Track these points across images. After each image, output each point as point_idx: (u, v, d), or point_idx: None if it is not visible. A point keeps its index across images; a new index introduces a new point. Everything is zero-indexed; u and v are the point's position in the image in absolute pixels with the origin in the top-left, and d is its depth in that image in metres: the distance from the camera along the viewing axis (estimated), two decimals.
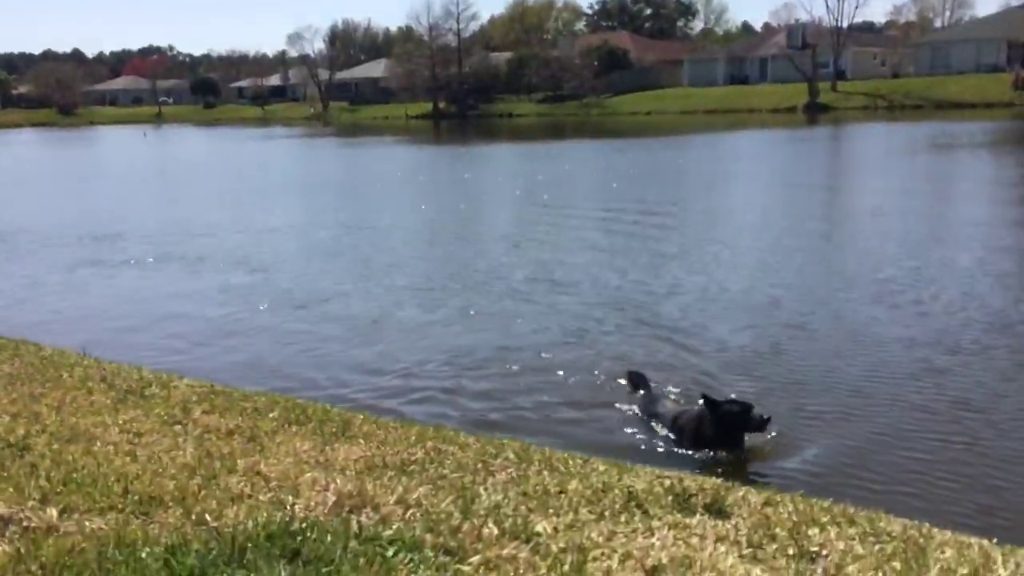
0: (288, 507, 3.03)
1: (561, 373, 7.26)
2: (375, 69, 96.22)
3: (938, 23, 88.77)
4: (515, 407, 6.57)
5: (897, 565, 2.81)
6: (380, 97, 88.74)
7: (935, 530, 3.38)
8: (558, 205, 19.22)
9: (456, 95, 79.43)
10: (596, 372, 7.30)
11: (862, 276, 10.67)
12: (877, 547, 3.01)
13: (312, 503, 3.10)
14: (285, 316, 9.63)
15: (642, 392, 6.66)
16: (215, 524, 2.78)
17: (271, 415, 4.74)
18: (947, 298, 9.37)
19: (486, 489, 3.44)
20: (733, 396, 5.90)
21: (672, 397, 6.56)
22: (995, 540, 3.30)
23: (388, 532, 2.78)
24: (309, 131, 65.21)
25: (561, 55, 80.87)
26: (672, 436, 5.91)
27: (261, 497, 3.14)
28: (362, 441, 4.28)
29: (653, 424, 6.16)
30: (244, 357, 8.10)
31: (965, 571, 2.79)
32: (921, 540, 3.17)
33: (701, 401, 5.78)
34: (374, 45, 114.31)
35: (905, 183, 20.76)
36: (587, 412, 6.47)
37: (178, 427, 4.27)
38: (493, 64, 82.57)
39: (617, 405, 6.55)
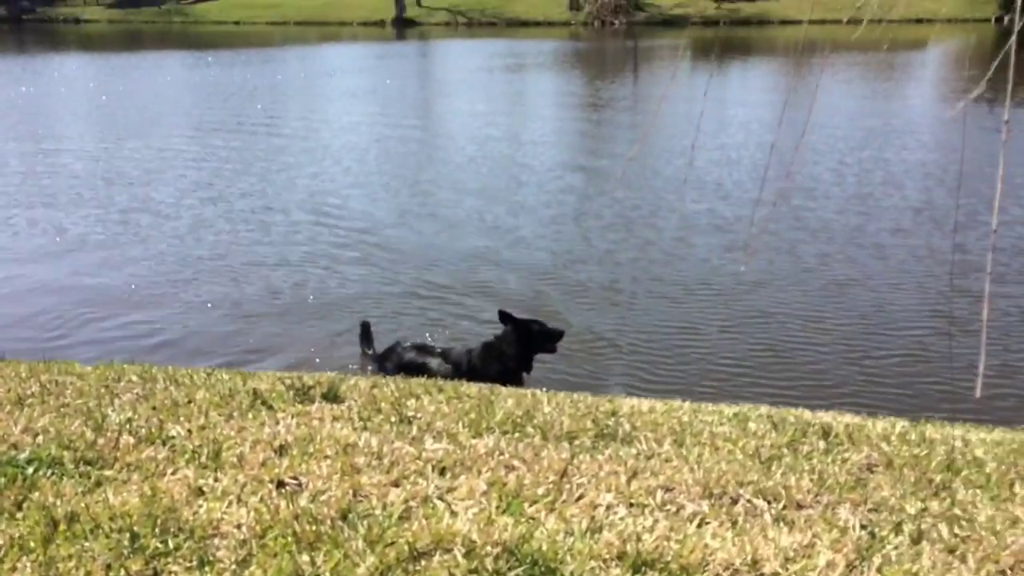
0: None
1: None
2: None
3: None
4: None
5: (472, 415, 3.62)
6: None
7: (503, 388, 4.32)
8: (147, 122, 18.07)
9: None
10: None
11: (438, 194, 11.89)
12: (459, 405, 3.81)
13: None
14: None
15: (373, 348, 6.43)
16: None
17: None
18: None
19: (114, 409, 3.62)
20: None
21: (409, 344, 6.20)
22: (545, 389, 4.34)
23: (23, 455, 2.90)
24: None
25: None
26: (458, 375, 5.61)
27: None
28: None
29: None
30: None
31: (521, 412, 3.70)
32: (492, 397, 4.06)
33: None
34: None
35: (486, 103, 22.82)
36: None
37: None
38: None
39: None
